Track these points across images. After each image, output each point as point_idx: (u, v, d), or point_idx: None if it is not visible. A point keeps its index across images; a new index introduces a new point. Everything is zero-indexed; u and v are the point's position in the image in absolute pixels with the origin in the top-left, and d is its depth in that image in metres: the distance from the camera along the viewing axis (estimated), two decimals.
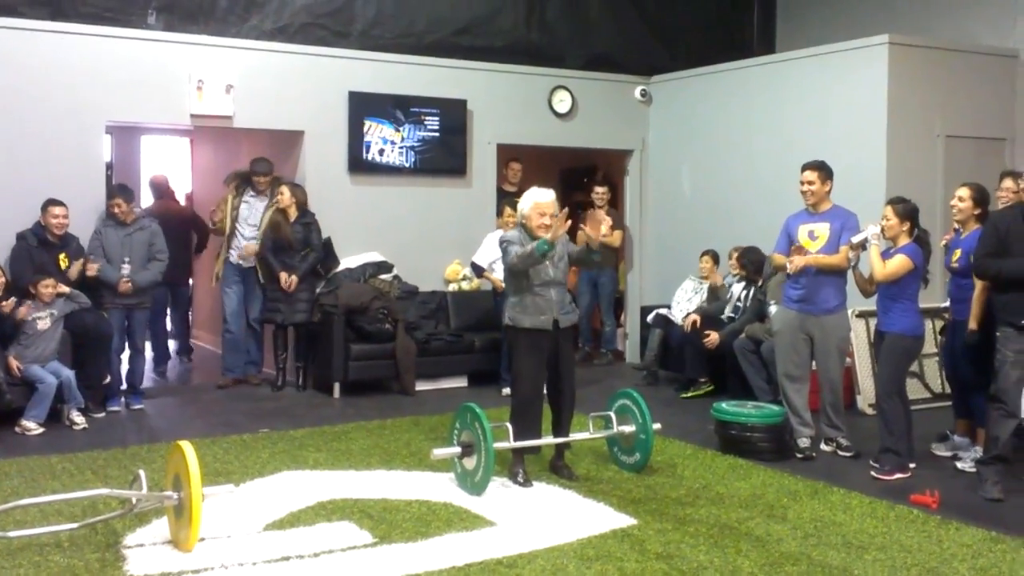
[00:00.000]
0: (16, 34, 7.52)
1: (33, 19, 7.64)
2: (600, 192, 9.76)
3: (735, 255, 8.30)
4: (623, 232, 9.92)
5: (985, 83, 8.62)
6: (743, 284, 8.22)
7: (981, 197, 6.03)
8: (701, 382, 8.32)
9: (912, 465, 5.88)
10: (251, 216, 8.50)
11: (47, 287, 6.96)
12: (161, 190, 10.14)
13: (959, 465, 6.01)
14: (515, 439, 5.53)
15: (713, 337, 8.05)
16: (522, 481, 5.54)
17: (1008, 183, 6.31)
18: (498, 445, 5.37)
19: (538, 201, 5.68)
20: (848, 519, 4.99)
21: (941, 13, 9.41)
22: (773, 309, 6.73)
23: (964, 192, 6.05)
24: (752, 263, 8.01)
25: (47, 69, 7.63)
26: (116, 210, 7.55)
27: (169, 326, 10.08)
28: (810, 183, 6.24)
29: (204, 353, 10.60)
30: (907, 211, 5.89)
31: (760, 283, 7.99)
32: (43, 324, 6.94)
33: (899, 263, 5.78)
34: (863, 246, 5.95)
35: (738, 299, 8.19)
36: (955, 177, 8.24)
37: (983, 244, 5.64)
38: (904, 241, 5.86)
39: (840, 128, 8.28)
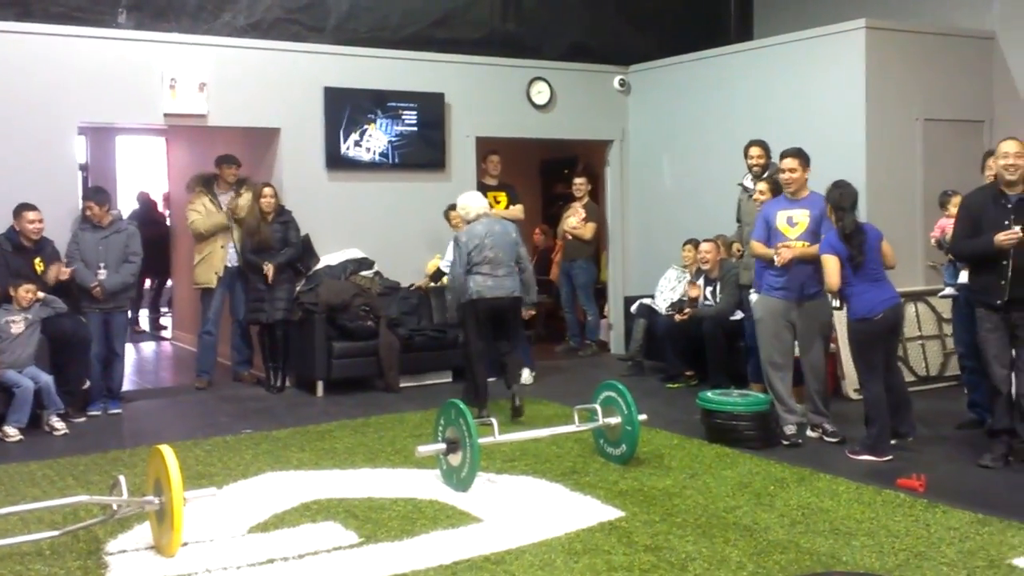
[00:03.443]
0: None
1: (0, 20, 7.53)
2: (579, 183, 9.87)
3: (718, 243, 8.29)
4: (595, 224, 9.90)
5: (962, 65, 8.62)
6: (702, 277, 8.21)
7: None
8: (687, 375, 8.32)
9: (893, 442, 5.89)
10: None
11: (28, 292, 6.88)
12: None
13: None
14: None
15: (687, 314, 8.08)
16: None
17: (991, 162, 6.35)
18: (483, 441, 5.33)
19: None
20: (835, 505, 4.98)
21: None
22: (754, 297, 6.71)
23: (764, 186, 6.88)
24: None
25: (16, 71, 7.53)
26: (89, 212, 7.47)
27: None
28: (792, 170, 6.25)
29: (183, 354, 10.53)
30: (830, 198, 5.96)
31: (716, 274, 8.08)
32: (17, 328, 6.85)
33: (829, 265, 5.80)
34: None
35: (706, 297, 8.16)
36: (935, 160, 8.32)
37: (958, 227, 5.75)
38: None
39: (819, 113, 8.27)
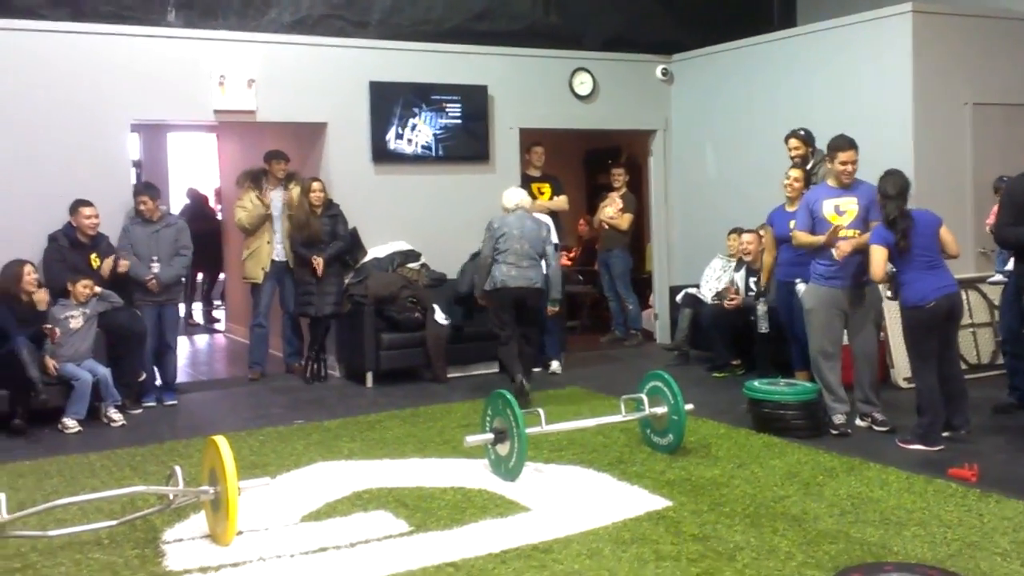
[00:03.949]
0: (37, 36, 7.56)
1: (53, 20, 7.68)
2: (616, 174, 9.94)
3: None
4: (632, 215, 9.90)
5: (1011, 48, 8.46)
6: (743, 267, 8.18)
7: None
8: (733, 364, 8.29)
9: (945, 434, 5.82)
10: (275, 208, 8.56)
11: (85, 287, 7.04)
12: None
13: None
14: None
15: (737, 300, 8.05)
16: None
17: None
18: (530, 430, 5.37)
19: None
20: (885, 495, 4.94)
21: None
22: (801, 287, 6.66)
23: (797, 173, 7.18)
24: None
25: (69, 70, 7.68)
26: (142, 207, 7.62)
27: None
28: (853, 163, 6.19)
29: (236, 346, 10.69)
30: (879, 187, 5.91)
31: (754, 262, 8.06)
32: (76, 323, 7.01)
33: (874, 256, 5.76)
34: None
35: (748, 287, 8.12)
36: (984, 145, 8.18)
37: (1002, 213, 5.68)
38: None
39: (865, 100, 8.17)
